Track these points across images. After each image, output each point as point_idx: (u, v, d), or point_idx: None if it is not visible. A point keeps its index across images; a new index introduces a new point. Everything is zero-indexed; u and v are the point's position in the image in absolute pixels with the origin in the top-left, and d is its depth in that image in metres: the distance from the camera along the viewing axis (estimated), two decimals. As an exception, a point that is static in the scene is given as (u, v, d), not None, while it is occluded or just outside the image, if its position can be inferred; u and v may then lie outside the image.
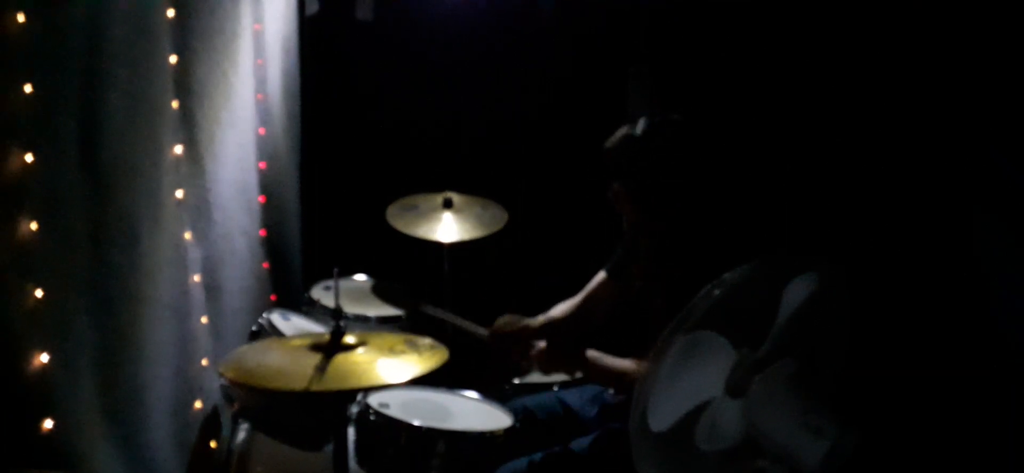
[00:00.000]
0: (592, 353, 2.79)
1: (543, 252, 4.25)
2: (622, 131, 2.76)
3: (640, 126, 2.72)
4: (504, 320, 3.08)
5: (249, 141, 3.72)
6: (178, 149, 3.22)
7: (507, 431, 2.77)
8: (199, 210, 3.36)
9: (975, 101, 3.38)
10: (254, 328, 3.24)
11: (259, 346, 2.75)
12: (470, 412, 2.91)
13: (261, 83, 3.82)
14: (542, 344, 2.85)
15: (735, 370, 1.92)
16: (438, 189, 3.67)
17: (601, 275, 3.08)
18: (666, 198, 2.72)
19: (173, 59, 3.17)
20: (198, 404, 3.28)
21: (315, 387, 2.19)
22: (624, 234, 3.02)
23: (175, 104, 3.20)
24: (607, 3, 4.20)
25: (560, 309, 3.16)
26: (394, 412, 2.75)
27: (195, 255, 3.34)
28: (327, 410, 2.63)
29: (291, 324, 3.27)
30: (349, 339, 2.39)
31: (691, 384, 1.95)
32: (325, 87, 4.42)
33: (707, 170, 2.77)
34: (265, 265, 3.88)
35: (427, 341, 2.49)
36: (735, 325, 1.94)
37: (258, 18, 3.76)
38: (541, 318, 3.13)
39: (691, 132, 2.74)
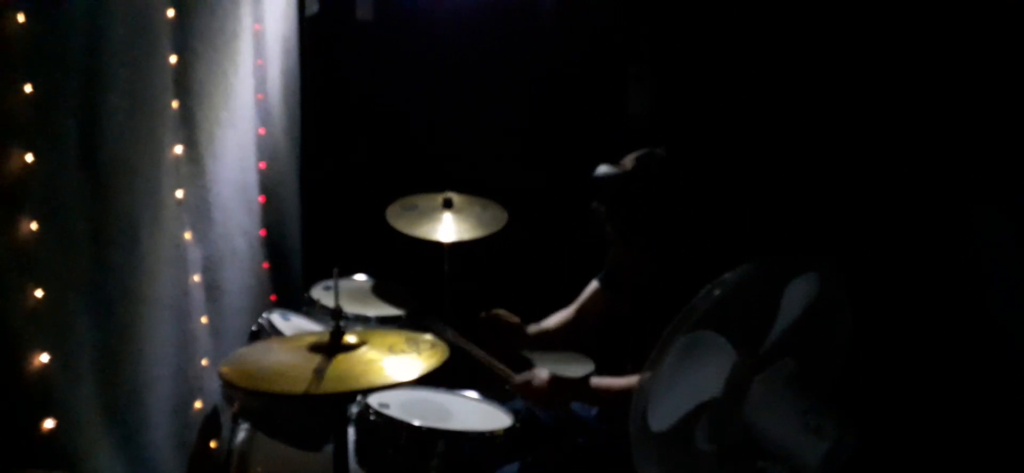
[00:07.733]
0: (596, 380, 2.74)
1: (543, 252, 4.25)
2: (609, 167, 2.80)
3: (628, 162, 2.79)
4: (504, 312, 3.08)
5: (249, 141, 3.72)
6: (178, 149, 3.22)
7: (507, 431, 2.77)
8: (199, 210, 3.36)
9: (974, 101, 3.38)
10: (254, 328, 3.24)
11: (259, 347, 2.74)
12: (470, 412, 2.91)
13: (261, 83, 3.82)
14: (545, 375, 2.77)
15: (735, 370, 1.92)
16: (438, 189, 3.67)
17: (594, 285, 3.09)
18: (653, 229, 2.77)
19: (173, 59, 3.17)
20: (198, 404, 3.28)
21: (315, 389, 2.18)
22: (608, 248, 3.02)
23: (175, 104, 3.20)
24: (607, 3, 4.20)
25: (554, 320, 3.17)
26: (394, 412, 2.75)
27: (195, 255, 3.34)
28: (327, 410, 2.63)
29: (291, 324, 3.26)
30: (349, 339, 2.39)
31: (691, 384, 1.96)
32: (325, 87, 4.42)
33: (692, 202, 2.81)
34: (265, 265, 3.88)
35: (427, 341, 2.49)
36: (735, 325, 1.94)
37: (258, 18, 3.76)
38: (535, 328, 3.12)
39: (676, 166, 2.79)
